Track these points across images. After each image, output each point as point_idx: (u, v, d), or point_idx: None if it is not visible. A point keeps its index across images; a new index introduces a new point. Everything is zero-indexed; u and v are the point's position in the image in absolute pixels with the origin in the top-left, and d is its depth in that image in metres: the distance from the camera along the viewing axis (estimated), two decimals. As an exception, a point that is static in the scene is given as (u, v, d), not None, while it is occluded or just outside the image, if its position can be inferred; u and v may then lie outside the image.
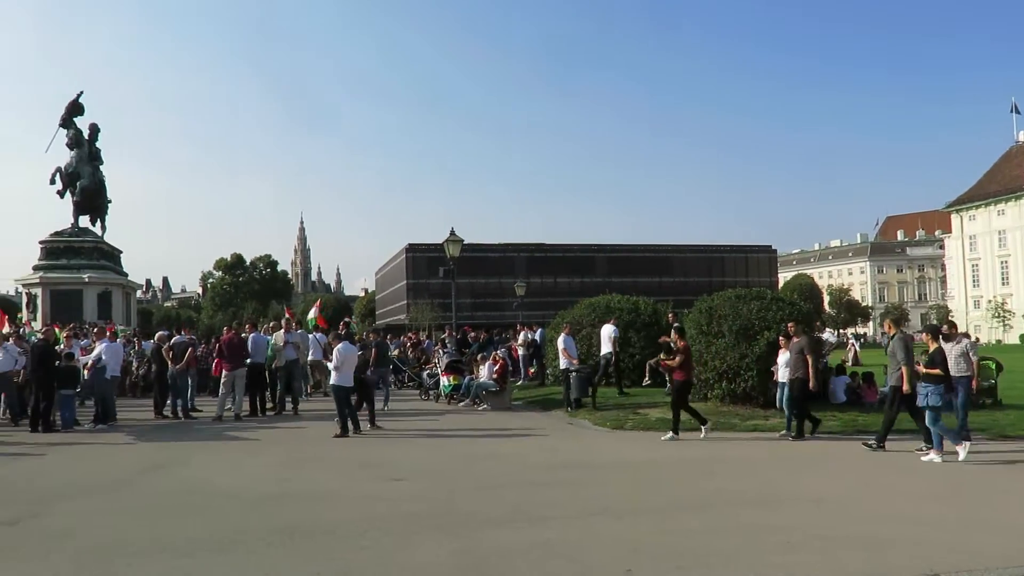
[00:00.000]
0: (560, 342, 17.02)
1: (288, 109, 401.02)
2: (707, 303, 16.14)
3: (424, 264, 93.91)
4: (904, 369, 11.01)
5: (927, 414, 10.44)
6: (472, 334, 27.63)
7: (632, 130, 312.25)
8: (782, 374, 13.31)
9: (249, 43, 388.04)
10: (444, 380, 19.22)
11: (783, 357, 13.28)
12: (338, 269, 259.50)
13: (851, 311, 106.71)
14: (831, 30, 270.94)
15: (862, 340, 64.85)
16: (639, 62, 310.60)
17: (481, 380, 18.29)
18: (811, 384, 12.20)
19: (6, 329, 18.93)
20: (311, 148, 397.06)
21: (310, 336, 20.57)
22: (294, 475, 9.98)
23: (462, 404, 18.27)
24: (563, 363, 16.84)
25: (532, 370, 24.17)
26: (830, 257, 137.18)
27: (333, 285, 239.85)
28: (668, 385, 13.97)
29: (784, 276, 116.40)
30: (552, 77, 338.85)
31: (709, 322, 15.43)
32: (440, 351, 23.56)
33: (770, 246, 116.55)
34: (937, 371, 10.44)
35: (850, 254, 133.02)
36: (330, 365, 14.23)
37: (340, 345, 13.87)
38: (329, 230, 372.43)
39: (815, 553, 6.15)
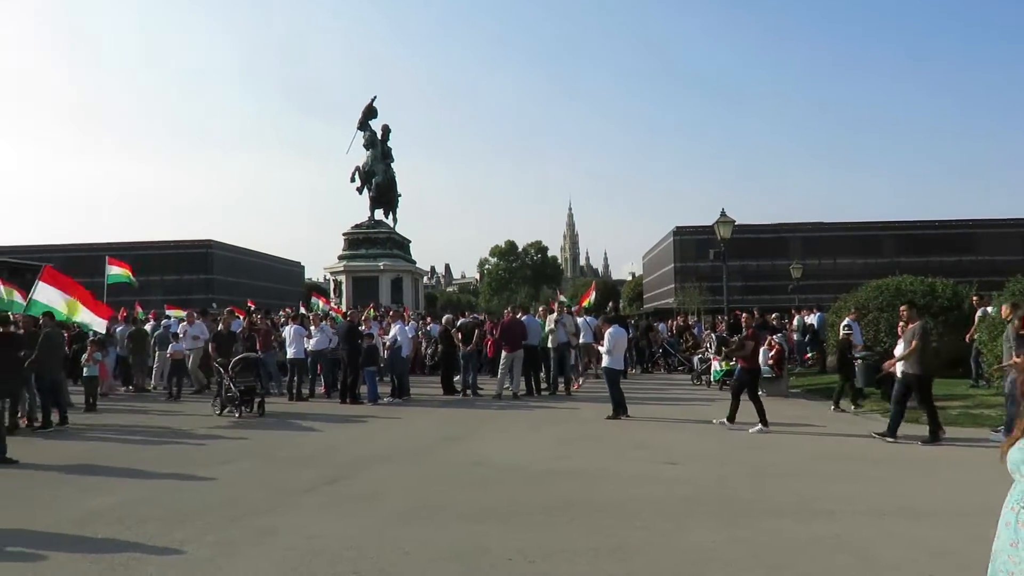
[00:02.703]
0: (843, 327, 15.94)
1: (558, 96, 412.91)
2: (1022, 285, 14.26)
3: (692, 247, 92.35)
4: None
5: None
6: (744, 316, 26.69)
7: (918, 96, 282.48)
8: (900, 366, 11.57)
9: (528, 38, 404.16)
10: (716, 365, 18.83)
11: (899, 348, 11.48)
12: (605, 253, 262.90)
13: None
14: None
15: None
16: (926, 30, 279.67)
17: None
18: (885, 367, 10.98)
19: (321, 308, 21.53)
20: (578, 134, 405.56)
21: (580, 319, 21.12)
22: (569, 453, 10.35)
23: (734, 390, 17.79)
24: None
25: (808, 355, 22.90)
26: None
27: (601, 269, 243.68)
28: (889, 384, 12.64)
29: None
30: (828, 53, 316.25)
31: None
32: (711, 335, 23.08)
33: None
34: None
35: None
36: (601, 349, 14.52)
37: (611, 328, 14.11)
38: (597, 215, 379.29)
39: None
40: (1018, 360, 9.23)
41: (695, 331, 27.45)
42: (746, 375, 12.49)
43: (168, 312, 23.90)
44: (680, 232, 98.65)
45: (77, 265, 64.38)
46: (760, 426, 11.91)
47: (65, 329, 16.87)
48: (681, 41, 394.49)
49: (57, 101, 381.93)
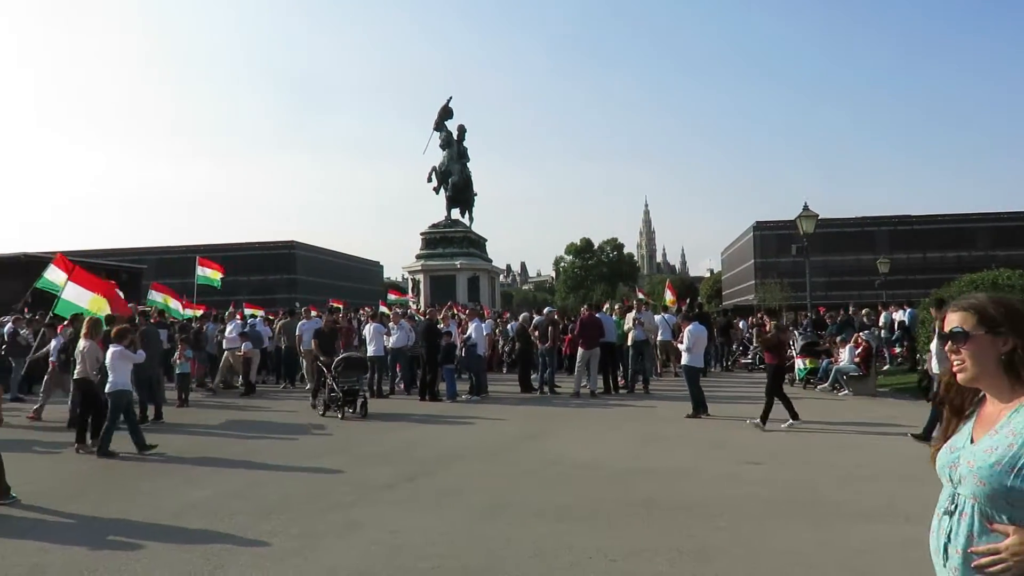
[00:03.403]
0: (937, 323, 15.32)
1: (633, 93, 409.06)
2: None
3: (773, 242, 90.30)
4: None
5: None
6: (828, 315, 25.97)
7: (1010, 84, 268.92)
8: (935, 364, 10.96)
9: (602, 35, 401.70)
10: (799, 363, 18.36)
11: (935, 345, 10.73)
12: (682, 250, 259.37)
13: None
14: None
15: None
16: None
17: (841, 364, 17.15)
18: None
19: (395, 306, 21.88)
20: (654, 130, 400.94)
21: (657, 317, 20.88)
22: (648, 451, 10.25)
23: (819, 388, 17.33)
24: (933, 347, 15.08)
25: (896, 351, 22.11)
26: None
27: (678, 266, 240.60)
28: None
29: None
30: (916, 42, 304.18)
31: None
32: (794, 333, 22.50)
33: None
34: None
35: None
36: (681, 346, 14.33)
37: (691, 326, 13.91)
38: (673, 211, 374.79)
39: None
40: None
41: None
42: (773, 370, 12.37)
43: (247, 311, 24.68)
44: (760, 227, 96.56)
45: (170, 266, 67.13)
46: (791, 421, 11.95)
47: (163, 327, 17.61)
48: (760, 33, 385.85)
49: (153, 110, 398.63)
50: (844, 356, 17.42)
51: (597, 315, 17.78)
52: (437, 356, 16.65)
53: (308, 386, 19.08)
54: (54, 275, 14.81)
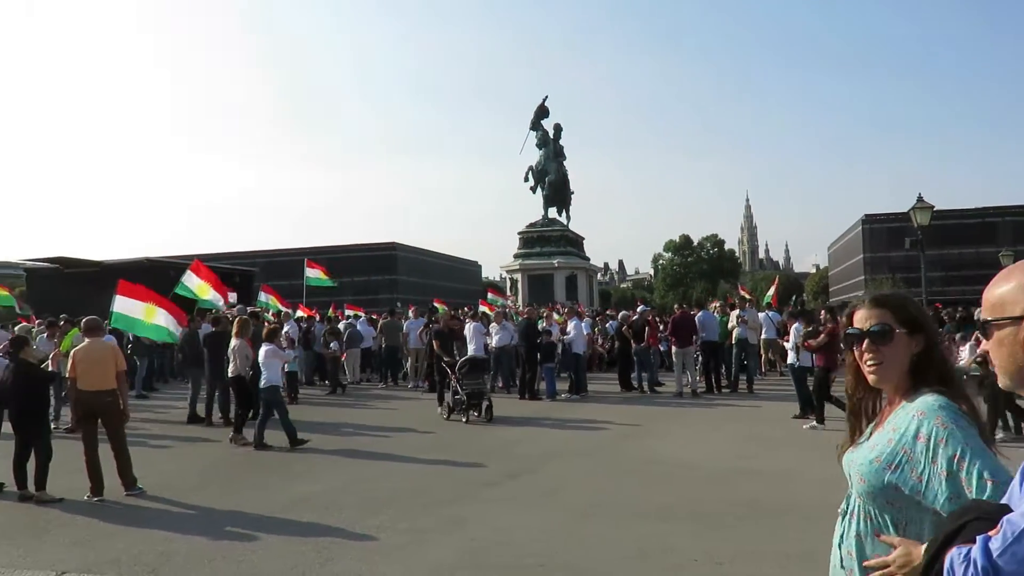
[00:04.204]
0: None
1: (730, 86, 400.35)
2: None
3: (883, 235, 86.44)
4: None
5: None
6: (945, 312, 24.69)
7: None
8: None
9: (697, 29, 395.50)
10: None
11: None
12: (786, 245, 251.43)
13: None
14: None
15: None
16: None
17: (961, 364, 16.26)
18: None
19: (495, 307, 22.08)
20: (753, 123, 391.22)
21: (762, 315, 20.34)
22: (753, 452, 10.00)
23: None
24: None
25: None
26: None
27: (781, 262, 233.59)
28: None
29: None
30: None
31: None
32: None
33: None
34: None
35: None
36: (787, 345, 13.93)
37: (797, 323, 13.49)
38: (776, 206, 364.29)
39: None
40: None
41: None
42: (822, 372, 12.01)
43: (348, 312, 25.41)
44: (870, 220, 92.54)
45: (278, 268, 69.80)
46: (813, 421, 11.83)
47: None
48: (865, 17, 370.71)
49: (270, 115, 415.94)
50: (964, 355, 16.51)
51: (700, 313, 17.47)
52: (537, 355, 16.69)
53: (410, 384, 19.50)
54: (190, 280, 15.74)
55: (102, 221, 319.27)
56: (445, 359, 14.23)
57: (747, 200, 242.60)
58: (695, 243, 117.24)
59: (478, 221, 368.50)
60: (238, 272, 31.53)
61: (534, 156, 40.61)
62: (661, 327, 19.20)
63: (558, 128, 41.36)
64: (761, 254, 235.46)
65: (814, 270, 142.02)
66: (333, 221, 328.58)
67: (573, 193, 41.72)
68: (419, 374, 19.54)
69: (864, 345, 2.04)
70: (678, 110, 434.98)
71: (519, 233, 40.34)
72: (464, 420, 13.10)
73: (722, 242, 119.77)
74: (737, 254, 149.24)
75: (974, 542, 1.44)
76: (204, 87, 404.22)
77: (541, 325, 17.13)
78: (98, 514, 7.41)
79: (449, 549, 6.08)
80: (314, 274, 24.74)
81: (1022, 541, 1.36)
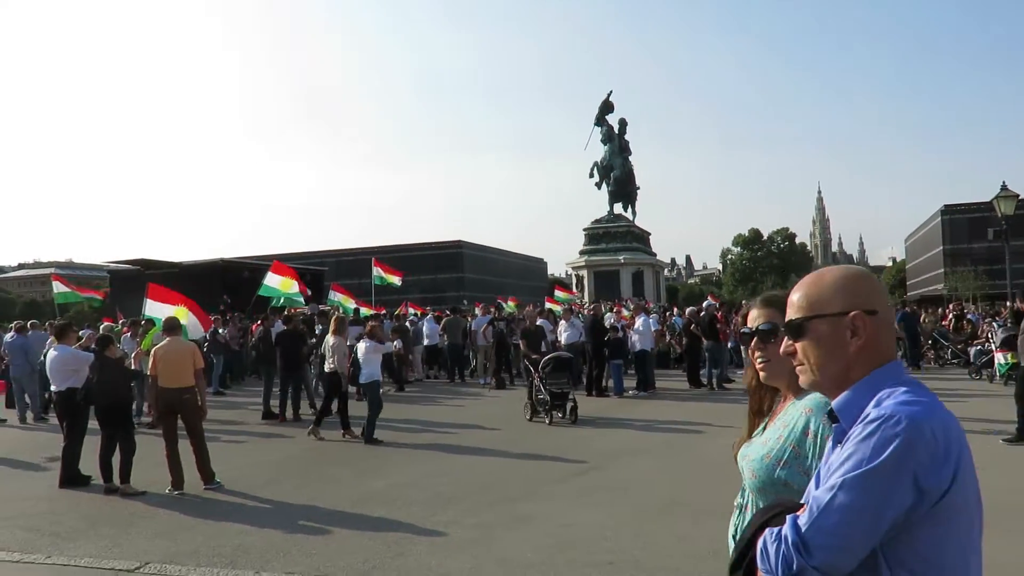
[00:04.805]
0: None
1: (799, 76, 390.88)
2: None
3: (964, 226, 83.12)
4: None
5: None
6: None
7: None
8: None
9: (763, 21, 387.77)
10: (999, 358, 16.80)
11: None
12: (860, 238, 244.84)
13: None
14: None
15: None
16: None
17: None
18: None
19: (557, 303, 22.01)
20: (823, 113, 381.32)
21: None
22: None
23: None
24: None
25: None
26: None
27: (856, 255, 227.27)
28: None
29: None
30: None
31: None
32: (993, 324, 20.64)
33: None
34: None
35: None
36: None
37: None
38: (849, 198, 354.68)
39: None
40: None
41: (971, 319, 24.68)
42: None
43: (410, 310, 25.73)
44: (949, 211, 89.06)
45: (348, 267, 71.03)
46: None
47: (358, 324, 18.67)
48: (937, 2, 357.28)
49: (331, 120, 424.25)
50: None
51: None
52: (604, 351, 16.58)
53: (481, 381, 19.58)
54: (272, 280, 16.14)
55: (179, 224, 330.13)
56: (532, 356, 14.07)
57: (819, 192, 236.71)
58: (765, 237, 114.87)
59: (543, 218, 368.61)
60: (309, 271, 32.15)
61: (599, 152, 40.41)
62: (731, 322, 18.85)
63: (623, 123, 41.06)
64: (834, 247, 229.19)
65: (890, 263, 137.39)
66: (398, 220, 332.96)
67: (639, 188, 41.39)
68: (487, 371, 19.63)
69: (753, 343, 2.08)
70: (745, 101, 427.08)
71: (584, 229, 40.17)
72: (548, 422, 12.54)
73: (793, 235, 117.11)
74: (808, 248, 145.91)
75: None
76: (272, 91, 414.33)
77: (608, 321, 17.00)
78: (178, 507, 7.66)
79: (517, 545, 6.08)
80: (381, 273, 25.10)
81: (826, 514, 1.45)
